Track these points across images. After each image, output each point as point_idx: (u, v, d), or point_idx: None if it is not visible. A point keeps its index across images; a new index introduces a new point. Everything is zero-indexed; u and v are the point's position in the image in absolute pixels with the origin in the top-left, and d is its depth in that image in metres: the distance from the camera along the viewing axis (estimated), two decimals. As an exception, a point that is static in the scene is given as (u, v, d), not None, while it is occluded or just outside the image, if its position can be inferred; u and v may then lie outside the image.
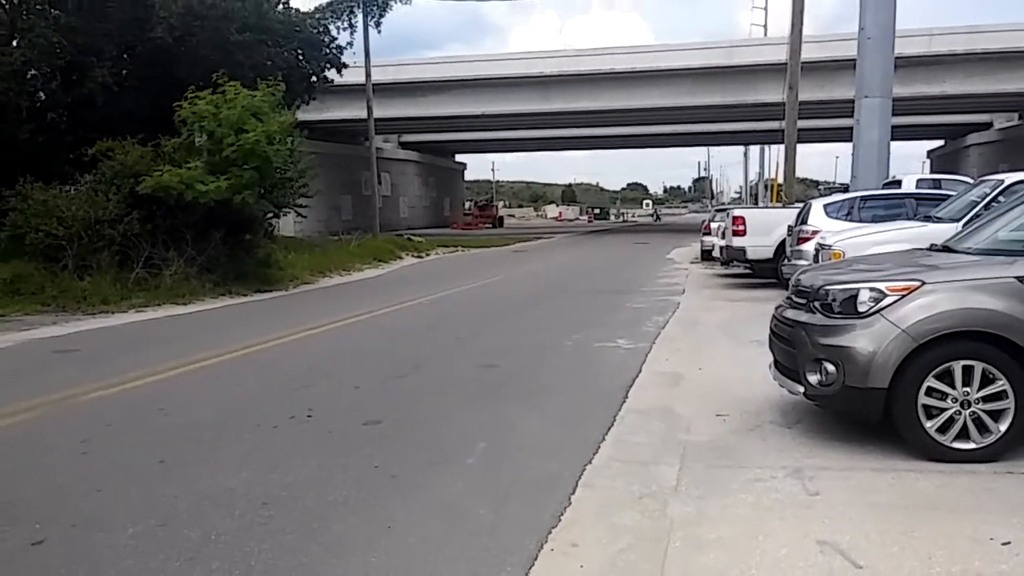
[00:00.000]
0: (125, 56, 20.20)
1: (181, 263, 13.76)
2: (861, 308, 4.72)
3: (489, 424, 5.52)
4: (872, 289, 4.73)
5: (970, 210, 9.16)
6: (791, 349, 5.10)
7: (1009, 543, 3.41)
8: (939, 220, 9.55)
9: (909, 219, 10.84)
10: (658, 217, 76.91)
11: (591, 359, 7.99)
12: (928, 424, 4.53)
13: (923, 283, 4.63)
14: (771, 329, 5.60)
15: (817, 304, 4.96)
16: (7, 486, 4.43)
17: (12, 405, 6.08)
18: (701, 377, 7.05)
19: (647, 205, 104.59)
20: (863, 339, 4.64)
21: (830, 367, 4.73)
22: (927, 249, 6.09)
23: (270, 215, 15.59)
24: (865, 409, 4.75)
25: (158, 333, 10.27)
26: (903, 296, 4.62)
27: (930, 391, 4.52)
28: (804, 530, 3.62)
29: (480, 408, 6.00)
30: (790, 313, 5.27)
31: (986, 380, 4.43)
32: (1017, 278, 4.48)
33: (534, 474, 4.49)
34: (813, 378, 4.85)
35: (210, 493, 4.20)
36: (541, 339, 9.25)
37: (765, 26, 50.85)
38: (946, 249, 5.52)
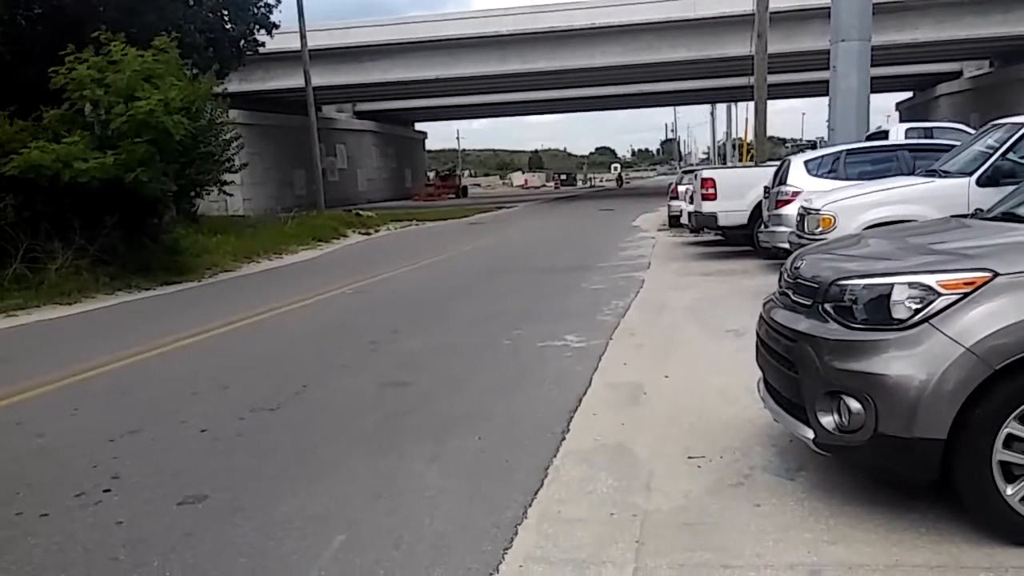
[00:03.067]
0: (21, 21, 17.98)
1: (69, 255, 11.81)
2: (899, 314, 3.09)
3: (364, 492, 3.84)
4: (914, 284, 3.11)
5: (983, 160, 7.60)
6: (791, 372, 3.47)
7: None
8: (947, 174, 7.99)
9: (906, 174, 9.28)
10: (622, 182, 74.48)
11: (530, 367, 6.33)
12: (1009, 491, 2.95)
13: (995, 274, 3.00)
14: (759, 337, 3.97)
15: (828, 307, 3.33)
16: None
17: None
18: (667, 389, 5.43)
19: (615, 169, 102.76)
20: (904, 362, 3.03)
21: (854, 404, 3.12)
22: (963, 217, 4.48)
23: (171, 194, 13.52)
24: (909, 468, 3.15)
25: (7, 347, 8.42)
26: (965, 295, 3.01)
27: (1011, 441, 2.94)
28: None
29: (363, 460, 4.31)
30: (786, 317, 3.64)
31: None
32: None
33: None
34: (827, 420, 3.24)
35: None
36: (474, 338, 7.57)
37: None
38: (1007, 217, 3.89)
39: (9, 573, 3.15)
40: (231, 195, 19.89)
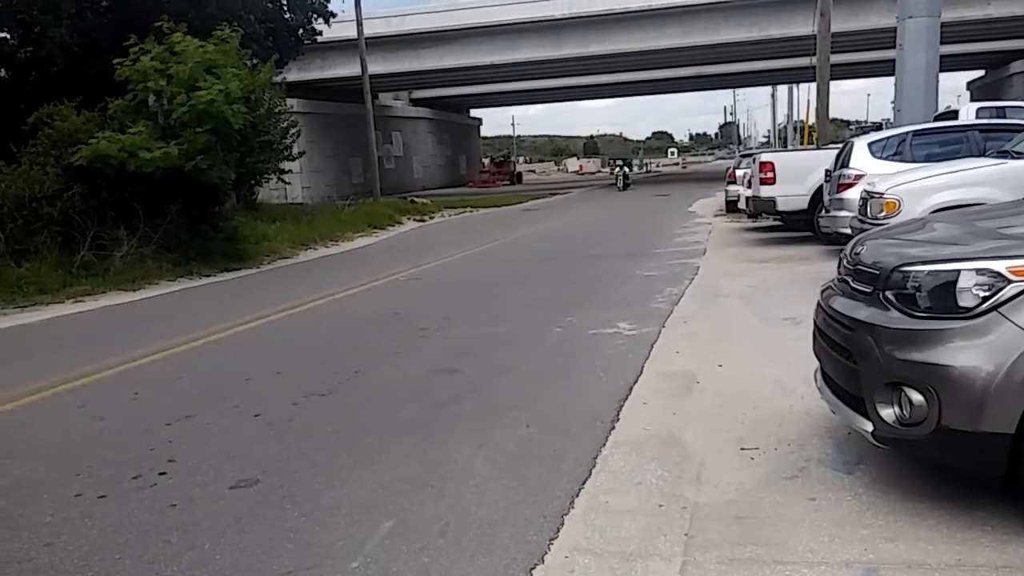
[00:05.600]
0: (88, 14, 18.50)
1: (134, 243, 12.17)
2: (965, 302, 2.94)
3: (412, 480, 3.84)
4: (982, 271, 2.95)
5: (1060, 141, 7.22)
6: (850, 363, 3.34)
7: None
8: (1019, 156, 7.62)
9: (976, 156, 8.89)
10: (682, 166, 72.65)
11: (580, 354, 6.26)
12: (1085, 492, 2.79)
13: (1072, 260, 2.83)
14: (816, 326, 3.83)
15: (890, 295, 3.19)
16: None
17: None
18: (721, 379, 5.31)
19: (672, 154, 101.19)
20: (971, 353, 2.88)
21: (916, 396, 2.98)
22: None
23: (231, 182, 13.78)
24: (974, 463, 3.01)
25: (74, 332, 8.71)
26: (1038, 283, 2.84)
27: (1087, 438, 2.78)
28: None
29: (411, 448, 4.32)
30: (845, 305, 3.50)
31: None
32: None
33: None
34: (887, 412, 3.11)
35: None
36: (525, 325, 7.53)
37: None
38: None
39: (66, 554, 3.24)
40: (289, 183, 20.27)
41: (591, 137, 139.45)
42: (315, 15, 23.12)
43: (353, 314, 8.95)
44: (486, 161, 67.12)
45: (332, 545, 3.21)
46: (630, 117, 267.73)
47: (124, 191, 12.20)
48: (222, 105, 12.31)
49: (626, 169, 40.15)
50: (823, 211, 11.36)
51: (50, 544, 3.33)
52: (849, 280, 3.58)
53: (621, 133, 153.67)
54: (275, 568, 3.05)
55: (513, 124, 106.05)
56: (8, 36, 17.81)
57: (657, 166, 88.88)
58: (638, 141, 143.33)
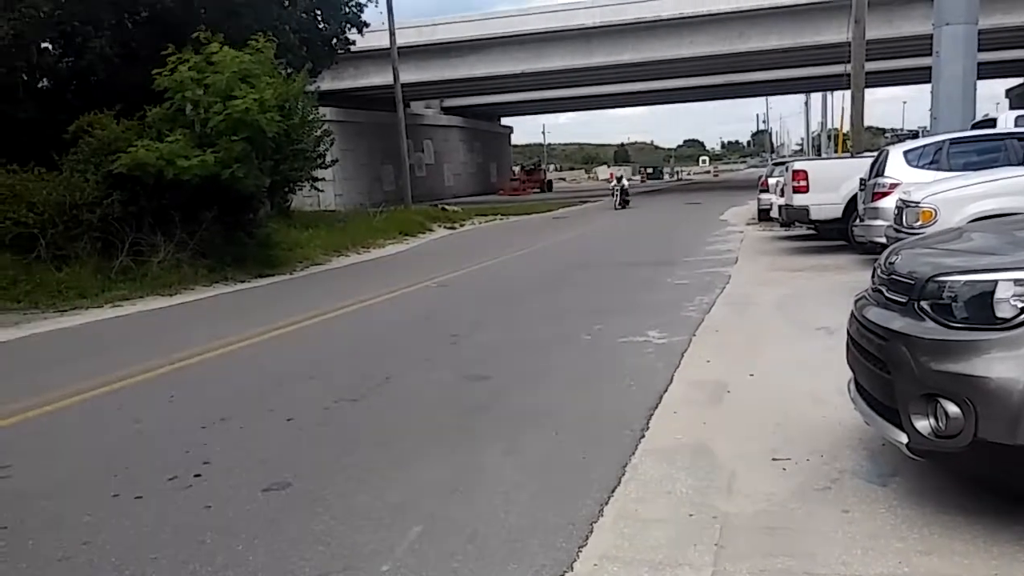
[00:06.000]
0: (128, 24, 18.91)
1: (171, 248, 12.39)
2: (1003, 312, 2.90)
3: (442, 486, 3.86)
4: (1020, 280, 2.91)
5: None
6: (884, 373, 3.30)
7: None
8: (1061, 164, 7.47)
9: (1015, 164, 8.75)
10: (714, 174, 72.15)
11: (609, 362, 6.26)
12: None
13: (1113, 270, 2.78)
14: (849, 336, 3.79)
15: (925, 305, 3.15)
16: None
17: None
18: (752, 388, 5.27)
19: (704, 162, 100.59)
20: (1008, 364, 2.84)
21: (952, 408, 2.94)
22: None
23: (265, 190, 13.98)
24: (1012, 476, 2.96)
25: (113, 336, 8.88)
26: (1078, 293, 2.79)
27: None
28: None
29: (441, 453, 4.35)
30: (879, 315, 3.46)
31: None
32: None
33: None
34: (923, 424, 3.06)
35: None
36: (554, 332, 7.54)
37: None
38: None
39: (104, 552, 3.31)
40: (322, 191, 20.48)
41: (622, 145, 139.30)
42: (349, 25, 23.41)
43: (385, 320, 9.03)
44: (516, 169, 67.30)
45: (362, 548, 3.24)
46: (661, 125, 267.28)
47: (162, 198, 12.44)
48: (257, 114, 12.52)
49: (624, 183, 31.61)
50: (857, 220, 11.22)
51: (88, 543, 3.41)
52: (884, 290, 3.54)
53: (652, 141, 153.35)
54: (307, 570, 3.09)
55: (544, 132, 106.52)
56: (50, 46, 18.28)
57: (688, 174, 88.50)
58: (669, 149, 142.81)
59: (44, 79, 18.67)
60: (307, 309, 9.55)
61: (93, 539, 3.44)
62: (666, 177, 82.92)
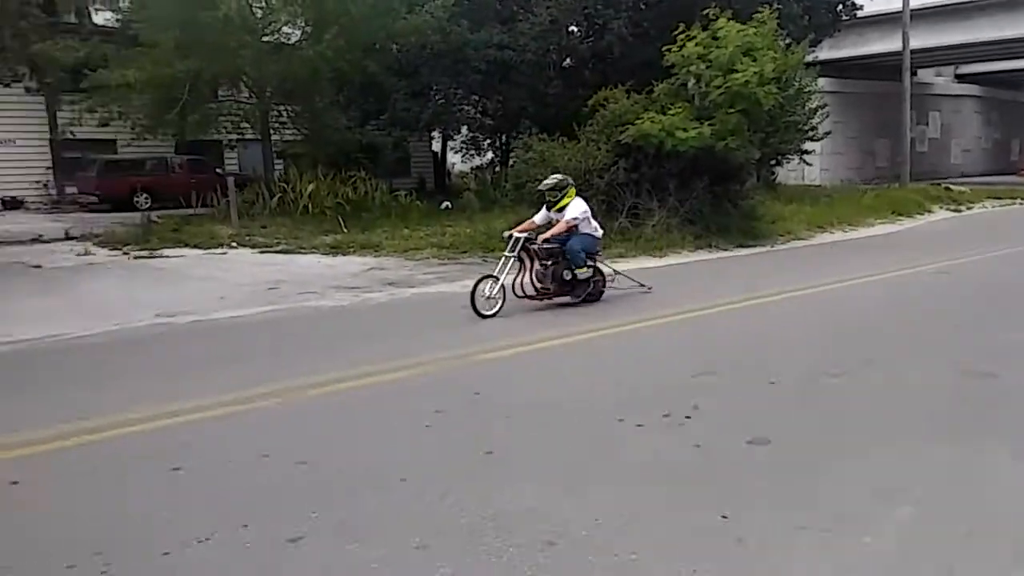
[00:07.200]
0: (641, 6, 20.54)
1: (663, 214, 13.36)
2: None
3: (935, 472, 3.71)
4: None
5: None
6: None
7: None
8: None
9: None
10: None
11: None
12: None
13: None
14: None
15: None
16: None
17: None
18: None
19: None
20: None
21: None
22: None
23: (754, 162, 14.09)
24: None
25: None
26: None
27: None
28: None
29: (933, 440, 4.14)
30: None
31: None
32: None
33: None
34: None
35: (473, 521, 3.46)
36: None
37: None
38: None
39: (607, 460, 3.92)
40: (810, 164, 19.94)
41: None
42: (855, -12, 22.13)
43: (865, 302, 8.60)
44: (1045, 145, 56.57)
45: (846, 516, 3.29)
46: None
47: (660, 167, 13.42)
48: (754, 87, 12.71)
49: None
50: None
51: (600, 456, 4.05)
52: None
53: None
54: (792, 520, 3.26)
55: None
56: (576, 29, 20.77)
57: None
58: None
59: (567, 58, 21.32)
60: (784, 283, 9.54)
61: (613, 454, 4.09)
62: None
